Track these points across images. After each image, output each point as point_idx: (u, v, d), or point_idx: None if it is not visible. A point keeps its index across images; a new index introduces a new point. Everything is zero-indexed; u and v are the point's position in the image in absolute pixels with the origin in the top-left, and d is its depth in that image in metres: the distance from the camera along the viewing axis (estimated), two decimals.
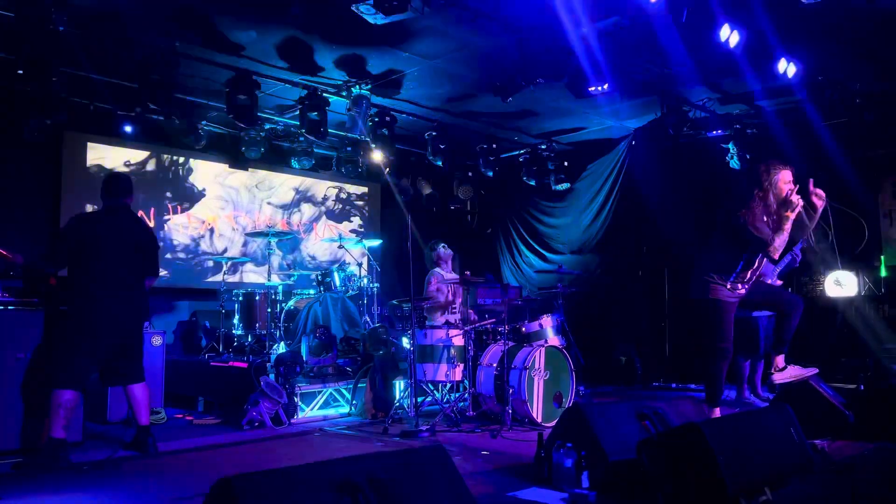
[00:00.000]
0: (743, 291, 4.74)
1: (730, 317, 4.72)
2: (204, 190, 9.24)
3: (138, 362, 4.83)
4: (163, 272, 8.72)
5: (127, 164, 8.64)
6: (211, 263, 9.12)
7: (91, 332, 4.50)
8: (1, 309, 4.66)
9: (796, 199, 4.41)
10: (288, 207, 10.09)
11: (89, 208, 7.79)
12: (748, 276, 4.71)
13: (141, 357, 4.89)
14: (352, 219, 10.80)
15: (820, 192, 4.52)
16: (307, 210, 10.31)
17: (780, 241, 4.44)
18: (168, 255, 8.82)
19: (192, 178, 9.15)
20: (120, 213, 4.78)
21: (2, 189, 7.27)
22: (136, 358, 4.83)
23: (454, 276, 6.86)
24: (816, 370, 5.02)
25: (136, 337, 4.85)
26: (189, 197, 9.11)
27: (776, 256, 4.50)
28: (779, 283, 5.11)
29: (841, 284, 7.60)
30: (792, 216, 4.41)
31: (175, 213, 8.97)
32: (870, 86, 7.27)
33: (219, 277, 7.91)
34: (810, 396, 4.76)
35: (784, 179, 4.53)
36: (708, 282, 4.68)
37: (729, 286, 4.66)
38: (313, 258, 10.24)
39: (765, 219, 4.53)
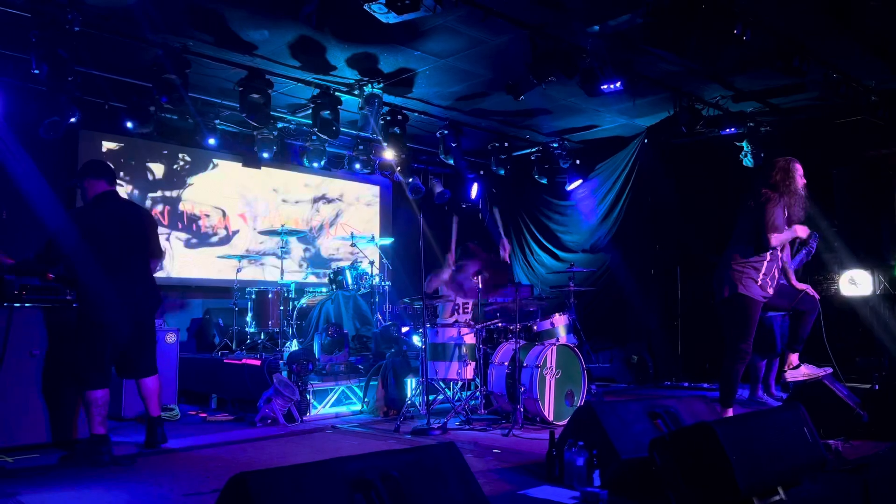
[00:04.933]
0: (770, 292, 4.76)
1: (755, 317, 4.75)
2: (217, 188, 9.29)
3: (151, 354, 4.83)
4: (175, 269, 8.81)
5: (143, 163, 8.70)
6: (223, 266, 9.16)
7: (108, 324, 4.49)
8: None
9: (804, 230, 4.87)
10: (300, 205, 10.13)
11: None
12: (775, 266, 4.78)
13: (154, 348, 4.89)
14: (364, 217, 10.82)
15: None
16: (319, 208, 10.34)
17: (779, 238, 4.68)
18: (181, 253, 8.88)
19: (205, 177, 9.21)
20: (113, 200, 4.74)
21: (19, 187, 7.33)
22: (150, 349, 4.83)
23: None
24: (830, 370, 5.01)
25: (149, 325, 4.84)
26: (202, 195, 9.16)
27: (772, 244, 4.67)
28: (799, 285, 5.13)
29: (856, 283, 7.55)
30: (801, 235, 4.87)
31: (188, 211, 9.02)
32: (884, 83, 7.21)
33: (232, 275, 7.95)
34: (824, 396, 4.74)
35: (799, 171, 4.85)
36: (739, 277, 4.70)
37: (759, 280, 4.68)
38: (322, 257, 10.27)
39: (783, 210, 4.72)
